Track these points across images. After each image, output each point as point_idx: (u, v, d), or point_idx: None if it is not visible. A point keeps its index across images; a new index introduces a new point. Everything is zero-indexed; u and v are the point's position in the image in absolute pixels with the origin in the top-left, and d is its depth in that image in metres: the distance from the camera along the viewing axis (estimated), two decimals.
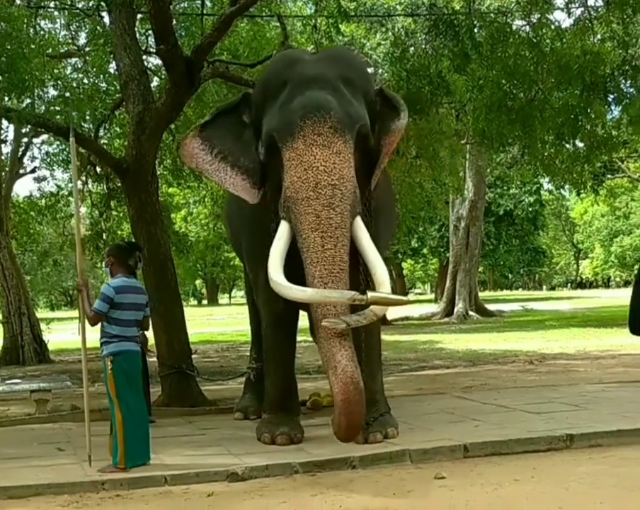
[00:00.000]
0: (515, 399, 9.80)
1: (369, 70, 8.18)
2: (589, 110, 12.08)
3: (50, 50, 13.62)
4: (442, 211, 32.69)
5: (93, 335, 7.20)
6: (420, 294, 78.97)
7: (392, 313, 32.82)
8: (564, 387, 10.79)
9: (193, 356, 10.74)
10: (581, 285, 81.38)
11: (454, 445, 7.20)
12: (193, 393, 10.23)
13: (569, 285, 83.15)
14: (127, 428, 6.73)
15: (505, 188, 46.79)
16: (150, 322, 7.68)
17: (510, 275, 66.47)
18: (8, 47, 10.31)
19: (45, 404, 9.71)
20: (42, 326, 20.05)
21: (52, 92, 15.46)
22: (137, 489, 6.29)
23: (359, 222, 6.87)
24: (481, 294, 41.09)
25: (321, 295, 6.52)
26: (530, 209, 48.30)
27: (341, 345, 6.41)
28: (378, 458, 6.93)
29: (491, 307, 35.50)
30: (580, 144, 13.85)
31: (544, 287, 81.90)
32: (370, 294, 6.31)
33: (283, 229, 6.92)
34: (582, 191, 31.94)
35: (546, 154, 13.52)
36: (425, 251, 52.18)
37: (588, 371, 12.91)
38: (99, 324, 6.96)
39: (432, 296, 61.31)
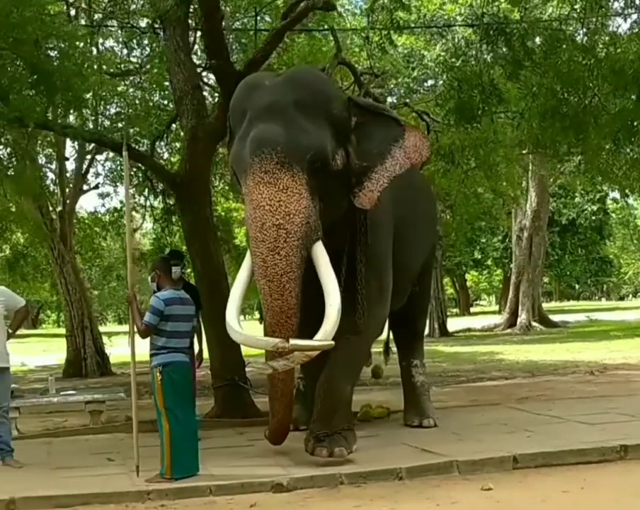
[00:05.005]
0: (570, 410, 9.61)
1: (332, 87, 8.07)
2: None
3: (106, 67, 13.89)
4: (505, 221, 32.39)
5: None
6: (484, 305, 78.06)
7: (453, 325, 32.56)
8: (622, 398, 10.54)
9: (246, 369, 10.77)
10: None
11: (503, 456, 7.11)
12: (245, 405, 10.27)
13: (638, 294, 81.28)
14: (174, 439, 6.79)
15: (569, 197, 46.02)
16: (195, 334, 7.79)
17: (576, 286, 65.31)
18: (66, 64, 10.49)
19: (99, 415, 9.86)
20: (105, 339, 20.34)
21: (112, 109, 15.85)
22: (182, 499, 6.35)
23: (318, 248, 6.88)
24: (546, 305, 40.50)
25: (251, 341, 7.07)
26: (594, 218, 47.36)
27: (281, 391, 7.12)
28: (425, 469, 6.88)
29: (556, 317, 34.90)
30: (636, 150, 13.55)
31: (612, 297, 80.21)
32: (292, 341, 6.45)
33: (247, 259, 7.09)
34: None
35: (602, 161, 13.26)
36: (489, 262, 51.71)
37: None
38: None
39: (496, 307, 60.58)
